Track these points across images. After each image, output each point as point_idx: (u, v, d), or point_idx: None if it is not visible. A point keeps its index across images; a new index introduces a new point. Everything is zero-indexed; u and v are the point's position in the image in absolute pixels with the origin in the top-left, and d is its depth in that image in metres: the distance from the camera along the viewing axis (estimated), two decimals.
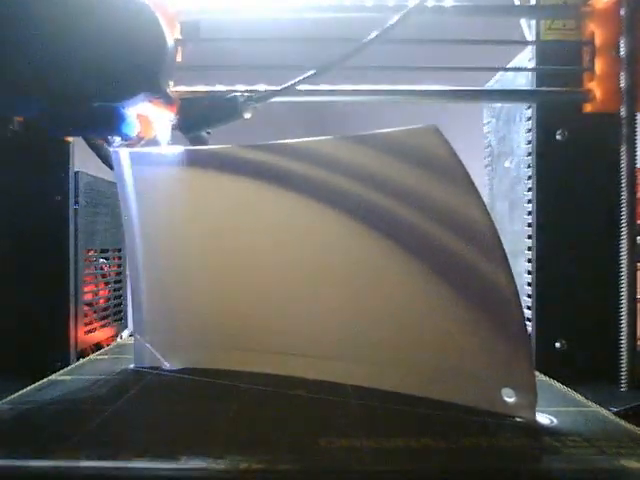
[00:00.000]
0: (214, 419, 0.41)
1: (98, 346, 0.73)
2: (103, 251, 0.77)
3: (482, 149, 0.78)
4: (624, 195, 0.51)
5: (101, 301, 0.77)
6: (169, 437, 0.38)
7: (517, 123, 0.64)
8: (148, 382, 0.52)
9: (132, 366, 0.57)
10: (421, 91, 0.57)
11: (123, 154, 0.56)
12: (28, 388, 0.50)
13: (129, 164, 0.56)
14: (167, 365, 0.56)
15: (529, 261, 0.59)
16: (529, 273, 0.59)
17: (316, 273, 0.51)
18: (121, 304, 0.84)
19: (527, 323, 0.59)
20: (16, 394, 0.48)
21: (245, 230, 0.53)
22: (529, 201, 0.59)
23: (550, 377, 0.53)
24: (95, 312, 0.73)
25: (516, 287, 0.40)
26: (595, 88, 0.55)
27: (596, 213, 0.56)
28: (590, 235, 0.56)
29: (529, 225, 0.59)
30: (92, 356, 0.64)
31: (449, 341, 0.43)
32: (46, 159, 0.59)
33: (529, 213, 0.59)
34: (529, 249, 0.59)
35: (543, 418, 0.40)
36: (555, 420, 0.40)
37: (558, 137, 0.56)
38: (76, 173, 0.63)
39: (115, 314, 0.81)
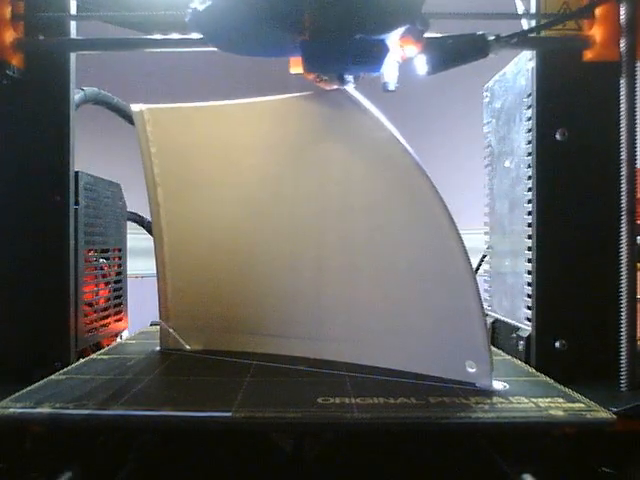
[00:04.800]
0: (232, 385, 0.50)
1: (98, 346, 0.73)
2: (103, 251, 0.77)
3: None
4: (624, 195, 0.51)
5: (101, 301, 0.77)
6: (199, 397, 0.47)
7: (517, 123, 0.64)
8: (174, 360, 0.61)
9: (158, 348, 0.66)
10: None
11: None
12: (74, 365, 0.58)
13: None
14: (188, 347, 0.65)
15: (529, 261, 0.59)
16: (529, 273, 0.59)
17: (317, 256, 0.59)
18: (121, 304, 0.84)
19: (527, 323, 0.60)
20: (64, 369, 0.56)
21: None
22: (529, 201, 0.59)
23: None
24: (95, 312, 0.73)
25: (475, 280, 0.49)
26: (595, 32, 0.55)
27: (596, 213, 0.56)
28: (590, 235, 0.56)
29: (529, 225, 0.59)
30: (122, 340, 0.74)
31: (424, 327, 0.53)
32: (46, 159, 0.59)
33: (529, 213, 0.59)
34: (529, 249, 0.59)
35: (499, 384, 0.50)
36: (508, 386, 0.50)
37: (558, 137, 0.56)
38: (76, 173, 0.63)
39: (115, 314, 0.81)
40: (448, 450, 0.46)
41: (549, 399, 0.46)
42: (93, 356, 0.63)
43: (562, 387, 0.49)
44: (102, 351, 0.66)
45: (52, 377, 0.53)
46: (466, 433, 0.45)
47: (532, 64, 0.58)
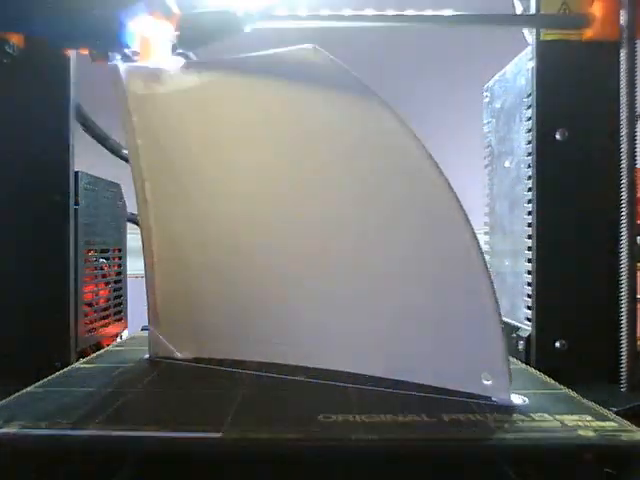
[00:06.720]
0: (225, 400, 0.45)
1: (98, 346, 0.73)
2: (103, 251, 0.76)
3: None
4: (624, 195, 0.51)
5: (101, 301, 0.77)
6: (187, 414, 0.42)
7: (517, 123, 0.64)
8: (163, 370, 0.56)
9: (147, 356, 0.60)
10: (423, 16, 0.57)
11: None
12: (55, 375, 0.53)
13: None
14: (179, 355, 0.60)
15: (529, 261, 0.59)
16: (529, 273, 0.59)
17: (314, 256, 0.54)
18: (121, 304, 0.84)
19: (527, 323, 0.60)
20: (44, 380, 0.51)
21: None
22: (529, 201, 0.59)
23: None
24: (95, 312, 0.73)
25: (491, 282, 0.44)
26: (595, 9, 0.55)
27: (596, 213, 0.56)
28: (590, 235, 0.56)
29: (529, 225, 0.59)
30: (109, 347, 0.69)
31: (435, 335, 0.48)
32: (46, 159, 0.59)
33: (529, 213, 0.59)
34: (529, 249, 0.59)
35: (517, 398, 0.44)
36: (527, 400, 0.44)
37: (558, 137, 0.56)
38: (76, 173, 0.62)
39: (115, 314, 0.81)
40: (464, 475, 0.40)
41: (576, 416, 0.40)
42: (76, 365, 0.58)
43: (587, 402, 0.45)
44: (86, 359, 0.61)
45: (28, 389, 0.48)
46: (486, 457, 0.39)
47: (532, 64, 0.58)
